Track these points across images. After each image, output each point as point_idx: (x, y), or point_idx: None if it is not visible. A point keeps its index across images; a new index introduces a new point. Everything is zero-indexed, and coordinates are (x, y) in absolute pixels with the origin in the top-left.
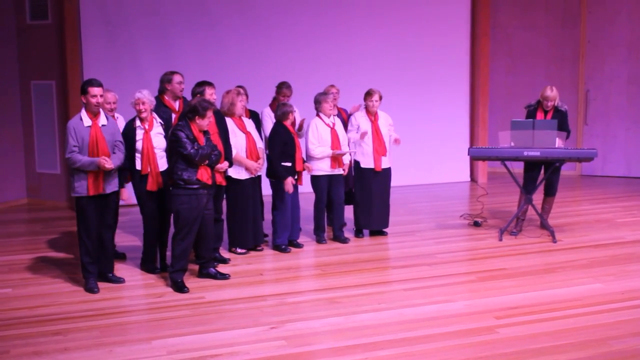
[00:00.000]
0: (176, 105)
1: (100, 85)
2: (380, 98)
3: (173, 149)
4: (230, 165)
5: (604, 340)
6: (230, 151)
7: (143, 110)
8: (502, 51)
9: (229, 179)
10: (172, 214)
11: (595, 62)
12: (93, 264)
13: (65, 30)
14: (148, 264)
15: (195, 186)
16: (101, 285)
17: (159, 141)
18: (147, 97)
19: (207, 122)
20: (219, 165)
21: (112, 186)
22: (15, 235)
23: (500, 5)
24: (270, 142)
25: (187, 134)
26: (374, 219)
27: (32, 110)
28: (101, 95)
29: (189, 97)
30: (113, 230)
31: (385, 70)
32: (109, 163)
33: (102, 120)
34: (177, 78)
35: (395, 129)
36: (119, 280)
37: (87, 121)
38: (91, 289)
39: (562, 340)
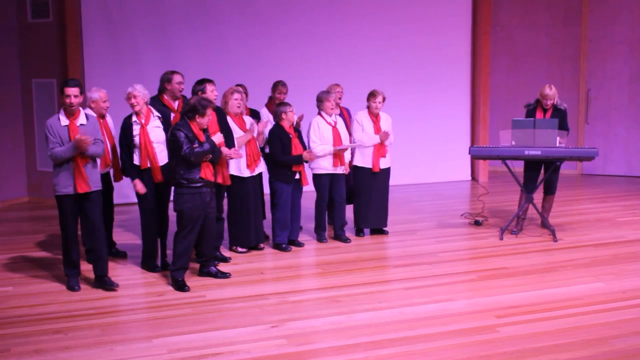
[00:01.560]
0: (175, 105)
1: (76, 85)
2: (384, 99)
3: (173, 149)
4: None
5: (605, 339)
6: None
7: (135, 103)
8: (503, 50)
9: (230, 177)
10: (175, 213)
11: (597, 60)
12: (73, 265)
13: (67, 29)
14: (149, 263)
15: (199, 185)
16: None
17: (157, 135)
18: (139, 90)
19: (207, 120)
20: (231, 153)
21: (94, 184)
22: (16, 234)
23: (501, 4)
24: (269, 143)
25: (186, 133)
26: (372, 218)
27: (33, 108)
28: (75, 96)
29: (189, 96)
30: (103, 231)
31: (386, 70)
32: (85, 137)
33: (81, 119)
34: (176, 78)
35: (397, 128)
36: (112, 287)
37: (64, 120)
38: (72, 287)
39: (563, 339)
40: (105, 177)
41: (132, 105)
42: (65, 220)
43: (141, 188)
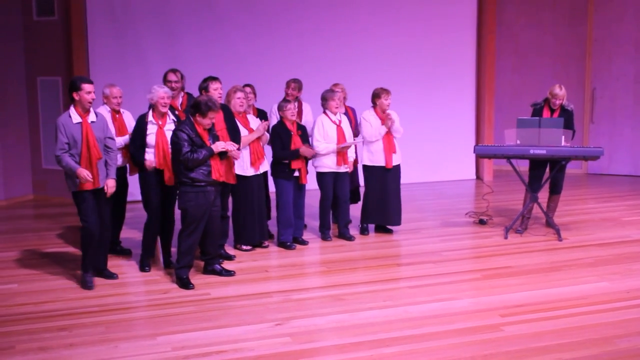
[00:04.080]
0: (178, 101)
1: (92, 82)
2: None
3: (175, 149)
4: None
5: (609, 339)
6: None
7: (164, 104)
8: (508, 49)
9: (236, 176)
10: (180, 211)
11: (602, 60)
12: (92, 259)
13: (72, 27)
14: (142, 261)
15: (203, 183)
16: (106, 281)
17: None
18: (170, 93)
19: (208, 122)
20: (233, 152)
21: (103, 180)
22: (21, 231)
23: (507, 3)
24: (271, 139)
25: (189, 133)
26: (390, 215)
27: (39, 106)
28: (92, 92)
29: (195, 94)
30: (110, 226)
31: (392, 69)
32: (89, 177)
33: (92, 116)
34: (170, 76)
35: (402, 126)
36: (112, 276)
37: (76, 118)
38: (86, 284)
39: (567, 339)
40: (120, 173)
41: (163, 105)
42: (86, 215)
43: (151, 162)
